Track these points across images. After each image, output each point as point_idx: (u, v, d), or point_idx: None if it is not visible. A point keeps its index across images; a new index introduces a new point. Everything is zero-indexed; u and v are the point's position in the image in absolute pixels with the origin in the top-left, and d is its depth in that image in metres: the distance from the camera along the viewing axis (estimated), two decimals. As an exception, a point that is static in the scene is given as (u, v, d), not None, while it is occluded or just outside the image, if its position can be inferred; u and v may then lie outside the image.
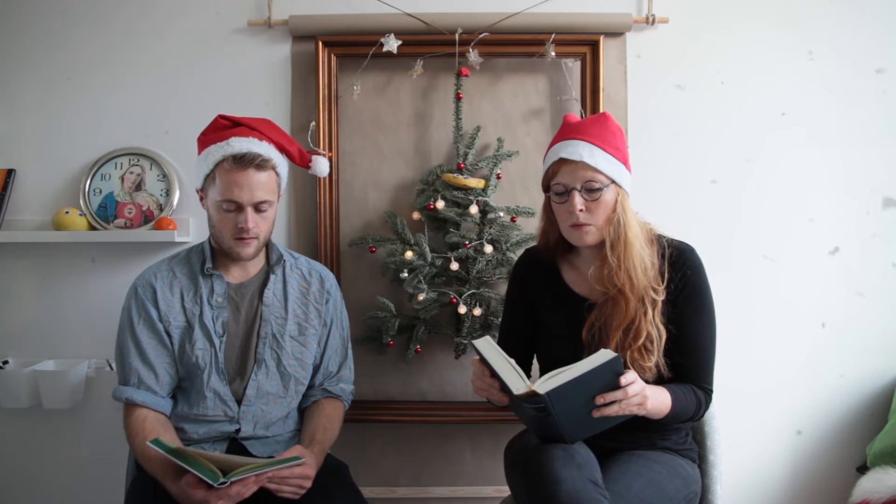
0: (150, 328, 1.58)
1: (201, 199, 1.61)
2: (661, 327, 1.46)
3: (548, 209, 1.57)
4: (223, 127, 1.58)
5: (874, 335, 2.09)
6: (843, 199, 2.08)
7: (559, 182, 1.48)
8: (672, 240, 1.54)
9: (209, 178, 1.54)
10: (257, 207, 1.54)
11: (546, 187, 1.54)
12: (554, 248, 1.60)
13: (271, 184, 1.56)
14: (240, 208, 1.52)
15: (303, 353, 1.66)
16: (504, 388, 1.34)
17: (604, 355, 1.28)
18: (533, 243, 1.72)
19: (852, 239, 2.08)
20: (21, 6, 2.09)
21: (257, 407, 1.60)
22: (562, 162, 1.47)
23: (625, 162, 1.50)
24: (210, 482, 1.32)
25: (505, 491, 1.71)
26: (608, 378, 1.31)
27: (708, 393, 1.51)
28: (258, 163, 1.51)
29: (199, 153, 1.58)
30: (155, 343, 1.57)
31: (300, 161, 1.72)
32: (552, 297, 1.59)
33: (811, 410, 2.10)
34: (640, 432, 1.50)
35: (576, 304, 1.55)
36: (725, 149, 2.08)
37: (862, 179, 2.08)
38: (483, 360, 1.38)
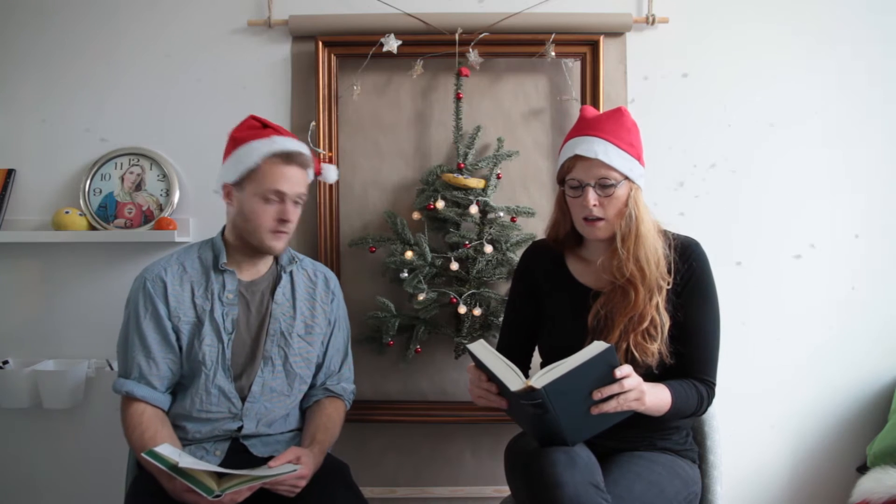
0: (156, 323, 1.58)
1: (227, 193, 1.61)
2: (665, 314, 1.47)
3: (561, 201, 1.59)
4: (257, 126, 1.62)
5: (874, 335, 2.09)
6: (842, 199, 2.08)
7: (574, 178, 1.51)
8: (677, 234, 1.57)
9: (252, 171, 1.56)
10: (295, 201, 1.61)
11: (561, 180, 1.56)
12: (563, 240, 1.62)
13: (307, 181, 1.65)
14: (282, 200, 1.58)
15: (309, 353, 1.67)
16: (502, 390, 1.34)
17: (597, 347, 1.28)
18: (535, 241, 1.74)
19: (852, 239, 2.08)
20: (21, 5, 2.09)
21: (261, 404, 1.60)
22: (577, 158, 1.50)
23: (638, 157, 1.53)
24: (205, 494, 1.34)
25: (505, 491, 1.71)
26: (603, 371, 1.31)
27: (710, 386, 1.51)
28: (303, 160, 1.61)
29: (233, 150, 1.59)
30: (160, 338, 1.58)
31: (315, 168, 1.77)
32: (557, 288, 1.60)
33: (811, 410, 2.10)
34: (640, 432, 1.51)
35: (581, 295, 1.56)
36: (726, 148, 2.07)
37: (861, 178, 2.07)
38: (479, 365, 1.38)
